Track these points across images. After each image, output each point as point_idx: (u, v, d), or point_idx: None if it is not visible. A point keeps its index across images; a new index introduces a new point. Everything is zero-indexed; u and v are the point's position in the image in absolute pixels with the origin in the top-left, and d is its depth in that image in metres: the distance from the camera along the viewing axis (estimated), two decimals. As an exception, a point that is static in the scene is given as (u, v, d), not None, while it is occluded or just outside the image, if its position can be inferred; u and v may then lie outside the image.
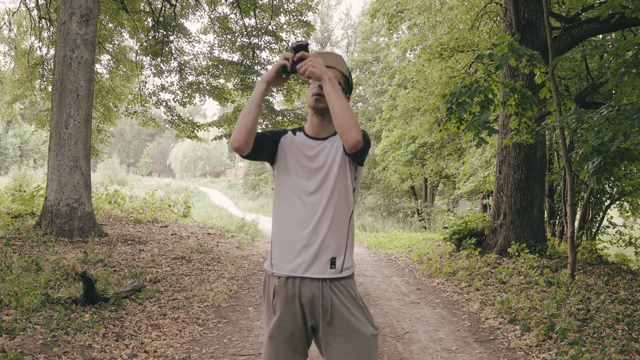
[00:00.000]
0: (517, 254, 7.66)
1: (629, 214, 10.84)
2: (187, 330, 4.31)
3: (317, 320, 1.85)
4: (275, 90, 12.27)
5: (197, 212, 19.04)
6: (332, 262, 1.84)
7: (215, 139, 14.08)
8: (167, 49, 13.03)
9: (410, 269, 8.37)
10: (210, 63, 13.61)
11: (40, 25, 13.43)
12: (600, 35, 9.59)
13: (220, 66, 13.41)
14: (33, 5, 13.71)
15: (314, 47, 34.96)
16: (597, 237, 9.69)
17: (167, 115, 14.31)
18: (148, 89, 16.06)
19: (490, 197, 12.62)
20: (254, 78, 13.00)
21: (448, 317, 5.19)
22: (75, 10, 7.96)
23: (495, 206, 8.52)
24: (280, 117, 13.45)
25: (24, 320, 3.84)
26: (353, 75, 27.62)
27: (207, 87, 13.66)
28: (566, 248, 7.39)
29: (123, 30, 14.18)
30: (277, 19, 12.98)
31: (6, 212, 9.96)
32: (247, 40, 13.11)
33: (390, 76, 23.82)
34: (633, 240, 9.52)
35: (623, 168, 7.15)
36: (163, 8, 12.88)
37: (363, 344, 1.82)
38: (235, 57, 13.62)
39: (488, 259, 7.68)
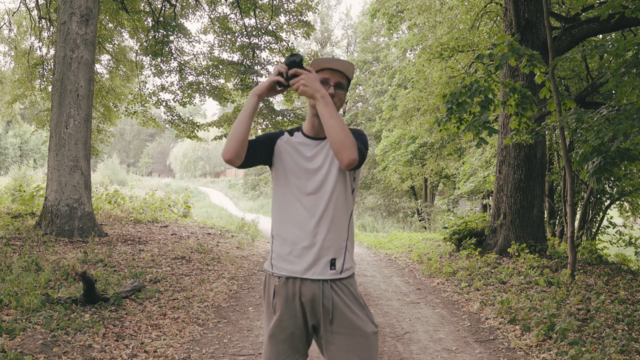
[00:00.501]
0: (517, 254, 7.66)
1: (629, 214, 10.85)
2: (187, 330, 4.31)
3: (318, 319, 1.85)
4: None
5: (197, 212, 19.03)
6: (332, 264, 1.84)
7: (215, 139, 14.06)
8: (167, 49, 13.03)
9: (410, 269, 8.37)
10: (210, 63, 13.61)
11: (40, 25, 13.42)
12: (600, 35, 9.59)
13: (220, 66, 13.41)
14: (33, 5, 13.71)
15: (313, 47, 34.94)
16: (597, 237, 9.69)
17: (167, 115, 14.30)
18: (148, 89, 16.06)
19: (490, 197, 12.62)
20: (254, 78, 13.00)
21: (448, 317, 5.19)
22: (75, 10, 7.96)
23: (495, 206, 8.52)
24: (280, 117, 13.44)
25: (24, 320, 3.84)
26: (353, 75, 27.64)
27: (207, 87, 13.65)
28: (566, 248, 7.39)
29: (123, 30, 14.18)
30: (277, 19, 12.99)
31: (6, 212, 9.96)
32: (247, 40, 13.11)
33: (390, 76, 23.82)
34: (633, 240, 9.52)
35: (623, 168, 7.15)
36: (163, 8, 12.89)
37: (364, 341, 1.83)
38: (235, 57, 13.62)
39: (488, 259, 7.68)
